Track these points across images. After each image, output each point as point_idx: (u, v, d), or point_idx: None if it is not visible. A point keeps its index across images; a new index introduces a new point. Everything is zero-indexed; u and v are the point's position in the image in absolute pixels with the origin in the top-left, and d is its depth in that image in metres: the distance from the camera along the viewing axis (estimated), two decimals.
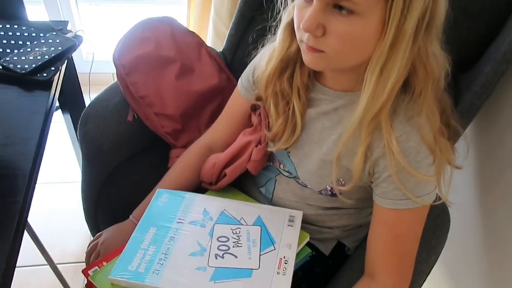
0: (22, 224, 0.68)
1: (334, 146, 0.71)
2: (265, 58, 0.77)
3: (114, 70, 1.03)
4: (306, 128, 0.75)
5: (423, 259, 0.78)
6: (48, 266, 1.23)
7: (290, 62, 0.72)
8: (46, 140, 0.81)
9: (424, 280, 0.80)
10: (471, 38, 0.84)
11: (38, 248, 1.17)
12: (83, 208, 1.06)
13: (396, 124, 0.64)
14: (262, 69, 0.77)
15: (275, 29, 0.75)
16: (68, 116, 1.24)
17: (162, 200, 0.84)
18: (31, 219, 1.13)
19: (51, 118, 0.86)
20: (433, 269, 0.83)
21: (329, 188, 0.76)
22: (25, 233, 0.97)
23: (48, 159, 1.66)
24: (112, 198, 1.02)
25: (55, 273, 1.24)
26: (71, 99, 1.21)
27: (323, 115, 0.73)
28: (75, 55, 1.16)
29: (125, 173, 1.05)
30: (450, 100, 0.69)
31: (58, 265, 1.24)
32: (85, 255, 0.85)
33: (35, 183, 0.74)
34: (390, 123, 0.63)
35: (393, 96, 0.60)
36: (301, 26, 0.58)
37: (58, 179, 1.69)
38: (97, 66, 1.78)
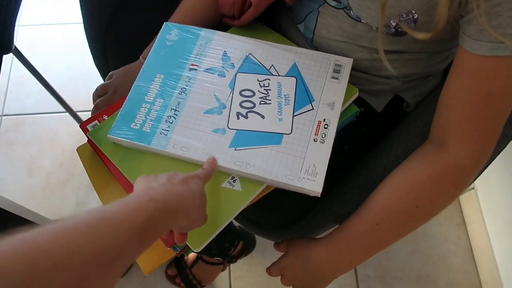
0: None
1: None
2: None
3: None
4: None
5: (508, 121, 0.60)
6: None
7: None
8: None
9: (505, 146, 0.64)
10: None
11: (53, 96, 1.08)
12: (91, 52, 0.93)
13: None
14: None
15: None
16: None
17: (170, 38, 0.66)
18: (42, 67, 1.02)
19: None
20: None
21: (394, 25, 0.55)
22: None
23: None
24: (122, 38, 0.86)
25: (76, 120, 1.17)
26: None
27: None
28: None
29: (134, 7, 0.87)
30: None
31: (79, 113, 1.17)
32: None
33: None
34: None
35: None
36: None
37: (67, 20, 1.55)
38: None
